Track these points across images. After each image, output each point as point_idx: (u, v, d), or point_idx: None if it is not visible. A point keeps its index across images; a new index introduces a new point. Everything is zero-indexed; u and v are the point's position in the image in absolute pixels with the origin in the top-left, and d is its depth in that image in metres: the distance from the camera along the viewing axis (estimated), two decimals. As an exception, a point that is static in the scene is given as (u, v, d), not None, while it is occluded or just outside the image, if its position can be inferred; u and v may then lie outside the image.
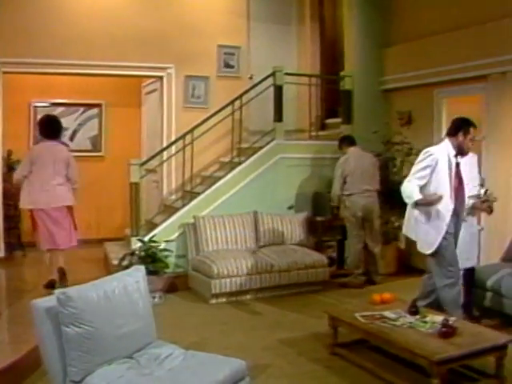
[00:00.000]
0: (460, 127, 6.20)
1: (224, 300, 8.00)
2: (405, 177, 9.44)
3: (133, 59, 9.89)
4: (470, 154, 6.33)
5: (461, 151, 6.18)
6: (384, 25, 10.20)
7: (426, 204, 6.11)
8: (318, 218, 9.40)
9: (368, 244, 8.98)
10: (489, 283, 6.68)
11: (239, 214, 8.82)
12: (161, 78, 10.43)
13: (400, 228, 9.73)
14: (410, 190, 6.13)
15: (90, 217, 11.66)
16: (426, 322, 5.35)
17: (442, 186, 6.11)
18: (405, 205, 9.46)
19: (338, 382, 5.35)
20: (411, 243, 9.62)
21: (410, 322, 5.39)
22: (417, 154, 9.30)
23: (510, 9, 7.88)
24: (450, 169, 6.14)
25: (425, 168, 6.12)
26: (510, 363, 5.25)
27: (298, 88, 10.58)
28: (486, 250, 8.02)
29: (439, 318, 5.32)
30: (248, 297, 8.15)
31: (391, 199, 9.51)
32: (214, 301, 7.94)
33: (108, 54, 9.71)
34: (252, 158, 9.28)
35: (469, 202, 6.30)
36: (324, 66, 11.65)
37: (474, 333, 5.20)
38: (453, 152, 6.17)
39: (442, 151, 6.17)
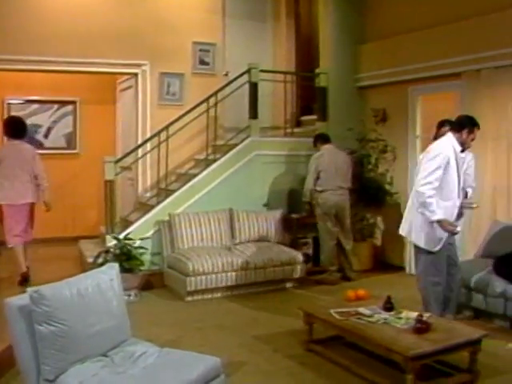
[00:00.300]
0: (465, 125, 6.16)
1: (199, 297, 7.98)
2: (380, 174, 9.63)
3: (107, 56, 9.83)
4: (471, 155, 6.33)
5: (462, 147, 6.17)
6: (359, 22, 10.22)
7: (441, 227, 6.05)
8: (294, 215, 9.40)
9: (341, 241, 9.00)
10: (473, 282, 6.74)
11: (214, 212, 8.80)
12: (136, 74, 10.36)
13: (375, 225, 9.85)
14: (435, 206, 5.97)
15: (65, 215, 11.59)
16: (400, 318, 5.38)
17: (451, 183, 6.10)
18: (379, 201, 9.60)
19: (313, 379, 5.36)
20: (387, 240, 9.74)
21: (385, 318, 5.41)
22: (392, 151, 9.49)
23: (484, 7, 7.94)
24: (457, 165, 6.13)
25: (438, 168, 6.01)
26: (484, 358, 5.31)
27: (273, 85, 10.57)
28: (461, 246, 8.06)
29: (414, 314, 5.34)
30: (224, 294, 8.14)
31: (366, 196, 9.58)
32: (189, 298, 7.92)
33: (83, 50, 9.63)
34: (227, 155, 9.27)
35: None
36: (299, 63, 11.66)
37: (448, 328, 5.24)
38: (459, 148, 6.13)
39: (449, 147, 6.11)
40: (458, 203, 6.19)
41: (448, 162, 6.05)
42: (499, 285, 6.52)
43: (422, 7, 8.99)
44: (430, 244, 6.20)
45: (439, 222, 5.99)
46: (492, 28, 7.79)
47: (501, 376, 5.37)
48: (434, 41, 8.61)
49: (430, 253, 6.22)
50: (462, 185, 6.23)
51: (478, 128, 6.22)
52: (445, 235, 6.13)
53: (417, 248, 6.41)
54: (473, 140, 6.21)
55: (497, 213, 7.80)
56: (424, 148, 9.15)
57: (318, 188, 8.83)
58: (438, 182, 6.00)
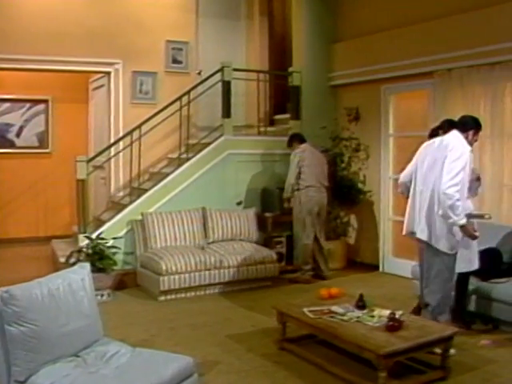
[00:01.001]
0: (472, 126, 6.05)
1: (173, 297, 7.95)
2: (354, 173, 9.66)
3: (80, 54, 9.75)
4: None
5: None
6: (332, 21, 10.25)
7: (464, 231, 5.82)
8: (267, 214, 9.39)
9: (320, 239, 9.02)
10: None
11: (188, 211, 8.78)
12: (108, 73, 10.29)
13: (348, 223, 9.89)
14: (461, 210, 5.67)
15: (37, 214, 11.53)
16: (373, 317, 5.40)
17: (466, 184, 5.90)
18: (353, 200, 9.64)
19: (286, 377, 5.36)
20: (360, 239, 9.78)
21: (358, 317, 5.43)
22: (365, 150, 9.53)
23: (455, 7, 8.00)
24: (469, 166, 5.93)
25: (463, 169, 5.73)
26: (457, 355, 5.41)
27: (246, 84, 10.57)
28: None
29: (386, 312, 5.36)
30: (197, 293, 8.12)
31: (340, 195, 9.61)
32: (162, 298, 7.89)
33: (55, 49, 9.55)
34: (200, 154, 9.24)
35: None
36: (273, 62, 11.66)
37: (420, 326, 5.26)
38: (469, 148, 5.92)
39: (467, 146, 5.90)
40: (471, 207, 6.18)
41: (468, 161, 5.82)
42: (472, 282, 6.58)
43: (395, 6, 9.04)
44: (449, 246, 5.88)
45: (463, 226, 5.74)
46: (463, 27, 7.85)
47: (472, 372, 5.41)
48: (407, 40, 8.66)
49: (446, 256, 5.91)
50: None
51: (481, 129, 6.18)
52: (460, 238, 5.93)
53: (432, 251, 5.99)
54: (476, 141, 6.16)
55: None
56: (398, 146, 9.28)
57: (302, 184, 8.82)
58: (462, 184, 5.74)
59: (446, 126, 6.37)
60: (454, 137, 5.95)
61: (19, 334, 3.82)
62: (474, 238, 5.92)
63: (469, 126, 6.05)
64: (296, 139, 9.18)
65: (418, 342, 4.96)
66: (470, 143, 6.00)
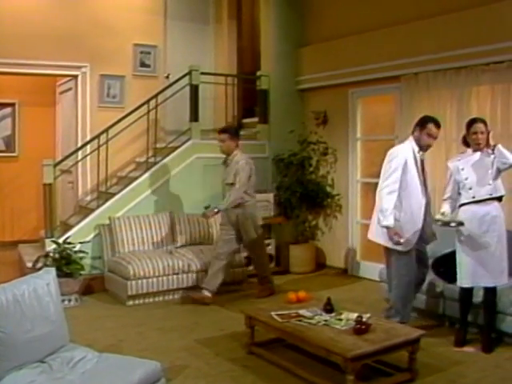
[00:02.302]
0: (417, 123, 6.27)
1: (141, 301, 7.92)
2: (322, 176, 9.70)
3: (47, 58, 9.66)
4: (478, 154, 6.09)
5: (420, 147, 6.20)
6: (300, 24, 10.29)
7: (388, 233, 6.04)
8: (235, 218, 9.37)
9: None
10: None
11: (155, 215, 8.76)
12: (75, 76, 10.21)
13: (316, 227, 9.92)
14: (389, 212, 5.96)
15: (3, 218, 11.44)
16: (340, 320, 5.41)
17: (413, 183, 6.13)
18: (321, 203, 9.68)
19: (254, 381, 5.36)
20: (328, 242, 9.82)
21: (326, 320, 5.44)
22: (332, 153, 9.57)
23: (422, 11, 8.09)
24: (416, 165, 6.15)
25: (396, 169, 6.05)
26: (422, 356, 5.42)
27: (215, 87, 10.57)
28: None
29: (353, 316, 5.39)
30: (165, 298, 8.11)
31: (307, 198, 9.64)
32: (130, 302, 7.86)
33: (22, 52, 9.44)
34: (168, 158, 9.21)
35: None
36: (241, 66, 11.67)
37: (387, 329, 5.29)
38: (416, 148, 6.19)
39: (407, 149, 6.18)
40: (423, 202, 6.20)
41: (406, 163, 6.07)
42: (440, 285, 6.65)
43: (362, 11, 9.11)
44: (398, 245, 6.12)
45: (387, 228, 5.98)
46: (429, 32, 7.93)
47: (439, 373, 5.45)
48: (374, 44, 8.72)
49: (400, 253, 6.16)
50: (426, 186, 6.31)
51: (437, 125, 6.22)
52: (416, 233, 6.17)
53: (386, 251, 6.37)
54: (432, 138, 6.21)
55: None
56: (366, 150, 9.35)
57: (251, 197, 8.17)
58: (397, 183, 6.02)
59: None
60: (400, 142, 6.44)
61: (-17, 340, 3.79)
62: (393, 242, 6.04)
63: (416, 124, 6.32)
64: (238, 134, 8.36)
65: (384, 344, 4.99)
66: (418, 140, 6.20)
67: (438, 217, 6.11)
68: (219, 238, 8.28)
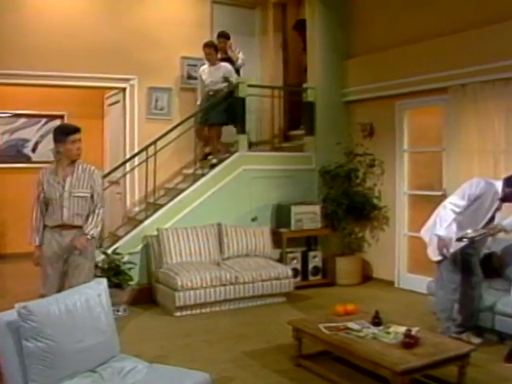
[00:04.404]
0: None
1: (188, 312, 7.95)
2: (368, 188, 9.67)
3: (96, 70, 9.79)
4: None
5: (503, 200, 6.27)
6: (346, 37, 10.29)
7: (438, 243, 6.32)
8: (282, 230, 9.39)
9: None
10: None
11: (203, 226, 8.79)
12: (124, 89, 10.35)
13: (363, 239, 9.88)
14: (447, 224, 6.27)
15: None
16: (389, 333, 5.37)
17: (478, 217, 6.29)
18: (366, 216, 9.64)
19: (302, 394, 5.36)
20: (375, 254, 9.76)
21: (374, 333, 5.41)
22: (379, 165, 9.54)
23: (469, 22, 8.00)
24: (490, 206, 6.28)
25: (469, 196, 6.24)
26: (472, 372, 5.33)
27: (261, 99, 10.60)
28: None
29: (402, 329, 5.34)
30: (212, 309, 8.12)
31: (354, 210, 9.61)
32: (178, 313, 7.89)
33: (71, 65, 9.59)
34: (215, 170, 9.27)
35: None
36: (286, 78, 11.69)
37: (437, 343, 5.23)
38: (500, 195, 6.25)
39: (491, 188, 6.25)
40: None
41: (480, 198, 6.22)
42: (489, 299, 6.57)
43: (408, 22, 9.05)
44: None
45: (439, 237, 6.27)
46: (477, 43, 7.85)
47: (489, 390, 5.38)
48: (421, 55, 8.67)
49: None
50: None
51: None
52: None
53: None
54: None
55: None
56: (413, 162, 9.29)
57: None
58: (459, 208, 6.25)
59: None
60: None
61: (36, 349, 3.83)
62: (439, 252, 6.30)
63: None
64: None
65: (434, 359, 4.93)
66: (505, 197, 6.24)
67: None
68: None
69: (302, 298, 8.74)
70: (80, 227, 6.19)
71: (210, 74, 9.91)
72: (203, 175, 9.24)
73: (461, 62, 8.03)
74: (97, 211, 6.32)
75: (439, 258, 6.32)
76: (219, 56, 10.14)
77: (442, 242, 6.16)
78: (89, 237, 6.17)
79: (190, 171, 9.78)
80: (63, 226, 6.14)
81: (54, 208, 6.13)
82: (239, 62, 10.23)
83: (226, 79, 9.81)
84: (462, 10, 8.22)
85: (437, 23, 8.56)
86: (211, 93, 9.86)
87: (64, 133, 6.17)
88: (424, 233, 6.66)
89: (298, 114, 10.81)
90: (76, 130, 6.26)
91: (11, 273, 10.31)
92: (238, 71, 10.16)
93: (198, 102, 10.09)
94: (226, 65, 9.96)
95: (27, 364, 3.86)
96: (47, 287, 6.13)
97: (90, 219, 6.28)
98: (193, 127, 9.64)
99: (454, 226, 6.21)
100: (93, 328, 4.17)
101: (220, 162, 9.41)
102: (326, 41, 10.21)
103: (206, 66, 10.01)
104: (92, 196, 6.29)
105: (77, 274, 6.19)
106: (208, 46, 9.93)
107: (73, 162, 6.20)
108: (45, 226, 6.22)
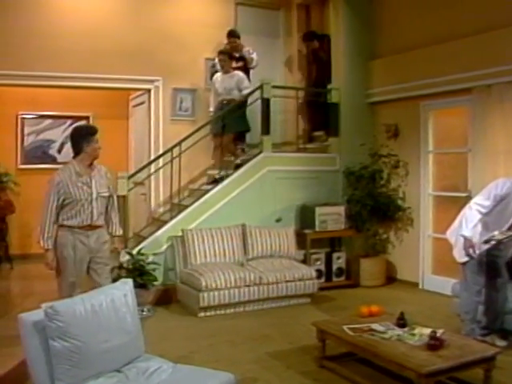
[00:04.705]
0: None
1: (212, 313, 7.97)
2: (393, 189, 9.65)
3: (120, 72, 9.86)
4: None
5: None
6: (370, 38, 10.27)
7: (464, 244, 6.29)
8: (306, 231, 9.39)
9: None
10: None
11: (227, 227, 8.80)
12: (148, 90, 10.41)
13: (388, 240, 9.85)
14: (473, 225, 6.24)
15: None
16: (414, 335, 5.35)
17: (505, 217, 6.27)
18: (390, 217, 9.60)
19: (326, 395, 5.35)
20: (399, 256, 9.73)
21: (398, 335, 5.39)
22: (404, 166, 9.50)
23: (494, 22, 7.95)
24: None
25: (494, 197, 6.19)
26: (498, 375, 5.28)
27: (285, 101, 10.60)
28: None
29: (427, 331, 5.31)
30: (236, 310, 8.13)
31: (378, 211, 9.58)
32: (202, 314, 7.92)
33: (96, 66, 9.67)
34: (240, 171, 9.29)
35: None
36: (311, 79, 11.66)
37: (462, 345, 5.20)
38: None
39: None
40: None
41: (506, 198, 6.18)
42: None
43: (432, 23, 9.02)
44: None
45: (465, 238, 6.21)
46: (502, 43, 7.81)
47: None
48: (445, 56, 8.63)
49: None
50: None
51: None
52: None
53: None
54: None
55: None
56: (438, 163, 9.24)
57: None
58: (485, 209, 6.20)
59: None
60: None
61: (63, 349, 3.86)
62: (466, 253, 6.24)
63: None
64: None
65: (459, 361, 4.90)
66: None
67: None
68: None
69: (326, 299, 8.73)
70: (101, 227, 6.24)
71: (222, 82, 9.89)
72: (228, 176, 9.27)
73: (486, 63, 7.99)
74: (116, 210, 6.49)
75: (466, 259, 6.28)
76: (234, 54, 10.16)
77: (468, 243, 6.12)
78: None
79: (215, 172, 9.83)
80: (90, 227, 6.12)
81: (82, 208, 6.02)
82: (253, 63, 10.22)
83: (238, 88, 9.80)
84: (486, 10, 8.17)
85: (461, 23, 8.51)
86: (225, 101, 9.83)
87: (89, 132, 6.16)
88: (450, 234, 6.63)
89: (322, 115, 10.77)
90: (97, 130, 6.30)
91: (36, 273, 10.37)
92: (248, 73, 10.18)
93: (211, 109, 10.11)
94: (239, 73, 9.93)
95: (53, 363, 3.89)
96: (68, 294, 5.73)
97: (114, 219, 6.45)
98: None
99: (479, 227, 6.19)
100: (118, 328, 4.19)
101: (244, 163, 9.42)
102: (351, 42, 10.19)
103: (219, 74, 9.99)
104: (110, 196, 6.35)
105: (106, 273, 6.34)
106: (222, 53, 9.93)
107: (92, 162, 6.19)
108: (60, 227, 6.05)
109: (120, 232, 6.59)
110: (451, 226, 6.65)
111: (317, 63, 10.89)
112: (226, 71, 9.88)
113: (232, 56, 10.01)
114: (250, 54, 10.23)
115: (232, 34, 10.32)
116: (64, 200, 5.97)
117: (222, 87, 9.87)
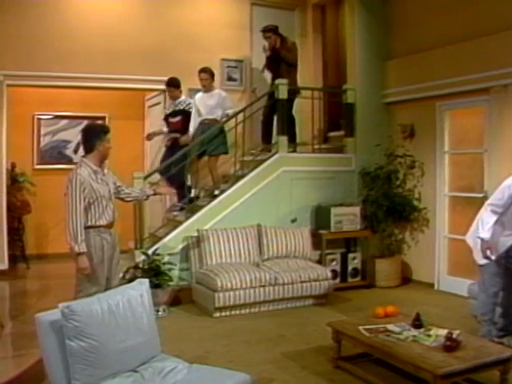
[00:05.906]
0: None
1: (228, 313, 7.98)
2: (409, 190, 9.62)
3: (136, 72, 9.91)
4: None
5: None
6: (386, 38, 10.25)
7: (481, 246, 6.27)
8: (321, 231, 9.38)
9: None
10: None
11: (243, 227, 8.81)
12: (164, 91, 10.42)
13: (403, 241, 9.82)
14: (489, 227, 6.21)
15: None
16: (429, 336, 5.34)
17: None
18: (406, 218, 9.57)
19: (341, 396, 5.35)
20: (415, 256, 9.70)
21: (414, 336, 5.37)
22: (420, 167, 9.48)
23: (510, 22, 7.91)
24: None
25: (509, 197, 6.18)
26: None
27: (300, 101, 10.59)
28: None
29: (443, 332, 5.30)
30: (252, 310, 8.14)
31: (394, 212, 9.55)
32: (217, 314, 7.93)
33: (111, 67, 9.72)
34: (255, 171, 9.28)
35: None
36: (326, 79, 11.67)
37: (478, 346, 5.18)
38: None
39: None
40: None
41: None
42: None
43: (448, 23, 8.99)
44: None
45: (482, 240, 6.20)
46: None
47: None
48: (461, 56, 8.60)
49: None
50: None
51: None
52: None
53: None
54: None
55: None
56: (454, 163, 9.20)
57: None
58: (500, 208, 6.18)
59: None
60: None
61: (79, 348, 3.88)
62: (483, 255, 6.21)
63: None
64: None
65: (476, 362, 4.88)
66: None
67: None
68: None
69: (341, 300, 8.73)
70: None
71: (204, 101, 9.63)
72: (243, 176, 9.27)
73: (502, 63, 7.95)
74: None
75: (485, 261, 6.24)
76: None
77: (486, 245, 6.09)
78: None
79: (231, 172, 9.88)
80: (112, 225, 6.01)
81: (103, 207, 5.86)
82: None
83: (221, 107, 9.56)
84: (503, 9, 8.13)
85: (477, 23, 8.48)
86: (206, 121, 9.56)
87: (103, 131, 6.05)
88: (468, 237, 6.58)
89: (337, 115, 10.77)
90: (110, 130, 6.18)
91: (53, 272, 10.47)
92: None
93: (191, 129, 9.76)
94: (221, 92, 9.74)
95: (70, 363, 3.91)
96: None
97: (129, 189, 6.56)
98: (233, 129, 9.63)
99: (496, 227, 6.16)
100: (135, 328, 4.21)
101: (260, 163, 9.42)
102: (366, 42, 10.18)
103: (200, 94, 9.74)
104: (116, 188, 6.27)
105: (118, 271, 6.29)
106: (204, 71, 9.63)
107: (103, 161, 6.09)
108: (86, 229, 5.75)
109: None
110: (470, 230, 6.61)
111: (274, 64, 10.31)
112: (207, 90, 9.65)
113: (213, 74, 9.71)
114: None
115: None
116: (89, 199, 5.76)
117: (204, 106, 9.62)
